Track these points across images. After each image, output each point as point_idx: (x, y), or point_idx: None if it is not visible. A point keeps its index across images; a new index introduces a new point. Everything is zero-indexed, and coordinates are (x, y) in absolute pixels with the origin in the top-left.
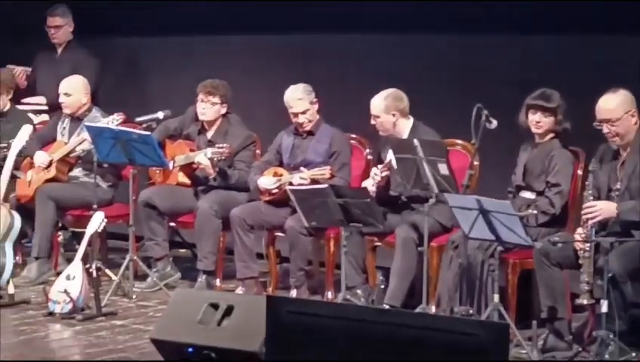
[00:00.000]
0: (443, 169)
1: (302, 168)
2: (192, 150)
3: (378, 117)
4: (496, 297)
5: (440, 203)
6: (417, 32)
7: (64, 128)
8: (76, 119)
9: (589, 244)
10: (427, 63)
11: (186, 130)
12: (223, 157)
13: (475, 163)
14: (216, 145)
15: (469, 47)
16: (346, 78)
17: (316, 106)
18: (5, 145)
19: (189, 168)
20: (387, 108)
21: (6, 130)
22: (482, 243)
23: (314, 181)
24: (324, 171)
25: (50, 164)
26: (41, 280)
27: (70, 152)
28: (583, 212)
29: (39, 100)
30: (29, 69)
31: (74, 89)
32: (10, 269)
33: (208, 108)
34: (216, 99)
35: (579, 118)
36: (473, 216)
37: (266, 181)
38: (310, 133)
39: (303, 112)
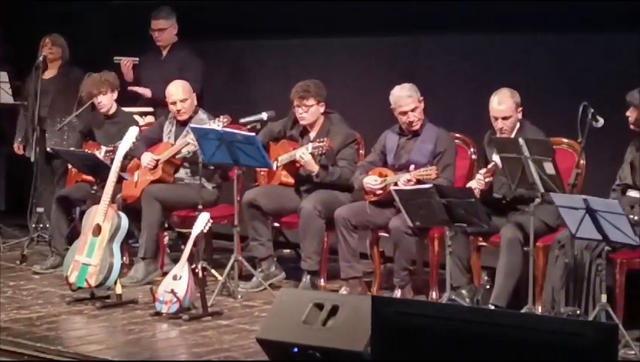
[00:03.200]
0: (549, 168)
1: (411, 168)
2: (294, 149)
3: (510, 117)
4: (604, 297)
5: (545, 202)
6: (522, 31)
7: (170, 131)
8: (182, 121)
9: None
10: (532, 62)
11: (289, 132)
12: (324, 151)
13: (582, 162)
14: (317, 140)
15: (575, 45)
16: (449, 77)
17: (422, 105)
18: (111, 147)
19: (292, 167)
20: (516, 106)
21: (112, 132)
22: (590, 243)
23: (419, 181)
24: (430, 171)
25: (157, 165)
26: (147, 280)
27: (176, 154)
28: None
29: (145, 92)
30: (137, 59)
31: (188, 93)
32: (118, 269)
33: (305, 112)
34: (311, 101)
35: None
36: (580, 216)
37: (372, 181)
38: (415, 133)
39: (413, 110)
